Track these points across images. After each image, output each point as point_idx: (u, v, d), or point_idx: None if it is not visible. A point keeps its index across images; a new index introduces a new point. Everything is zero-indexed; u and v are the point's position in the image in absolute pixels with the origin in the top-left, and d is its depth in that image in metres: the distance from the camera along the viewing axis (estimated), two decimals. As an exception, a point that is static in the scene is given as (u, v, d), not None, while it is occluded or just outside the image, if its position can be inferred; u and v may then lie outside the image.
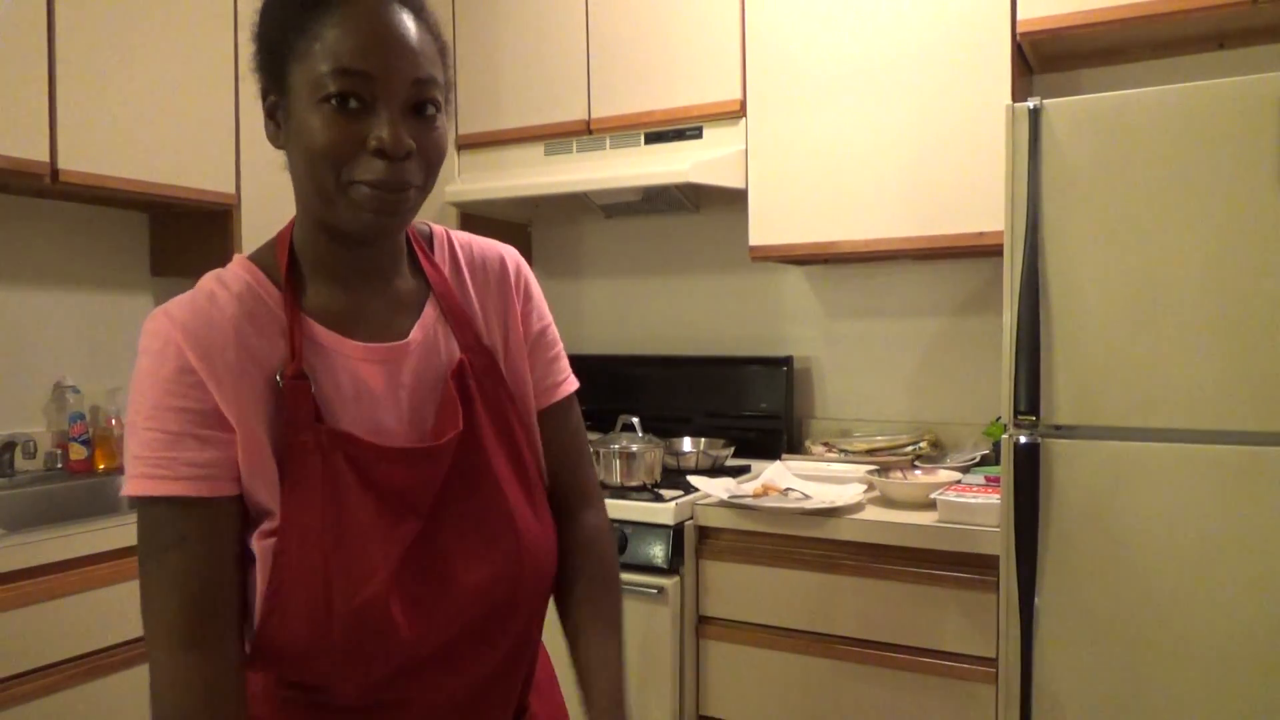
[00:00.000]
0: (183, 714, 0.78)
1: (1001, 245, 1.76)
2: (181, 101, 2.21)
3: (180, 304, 0.82)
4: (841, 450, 2.44)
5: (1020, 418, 1.67)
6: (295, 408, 0.82)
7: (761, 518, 2.00)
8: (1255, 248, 1.50)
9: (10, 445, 2.17)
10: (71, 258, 2.38)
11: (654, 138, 2.49)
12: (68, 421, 2.30)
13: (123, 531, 1.81)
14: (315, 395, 0.83)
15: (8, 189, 2.16)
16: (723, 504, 2.05)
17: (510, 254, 1.01)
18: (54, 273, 2.34)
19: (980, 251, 2.22)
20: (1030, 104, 1.65)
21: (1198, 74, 2.19)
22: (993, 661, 1.81)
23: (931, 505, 1.94)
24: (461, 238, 0.99)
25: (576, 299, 3.08)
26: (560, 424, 1.02)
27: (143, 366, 0.81)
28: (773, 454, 2.53)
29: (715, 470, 2.41)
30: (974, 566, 1.82)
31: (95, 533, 1.77)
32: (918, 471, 2.16)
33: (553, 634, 0.99)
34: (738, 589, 2.05)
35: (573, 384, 1.04)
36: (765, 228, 2.36)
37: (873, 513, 1.96)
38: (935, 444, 2.45)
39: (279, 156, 0.86)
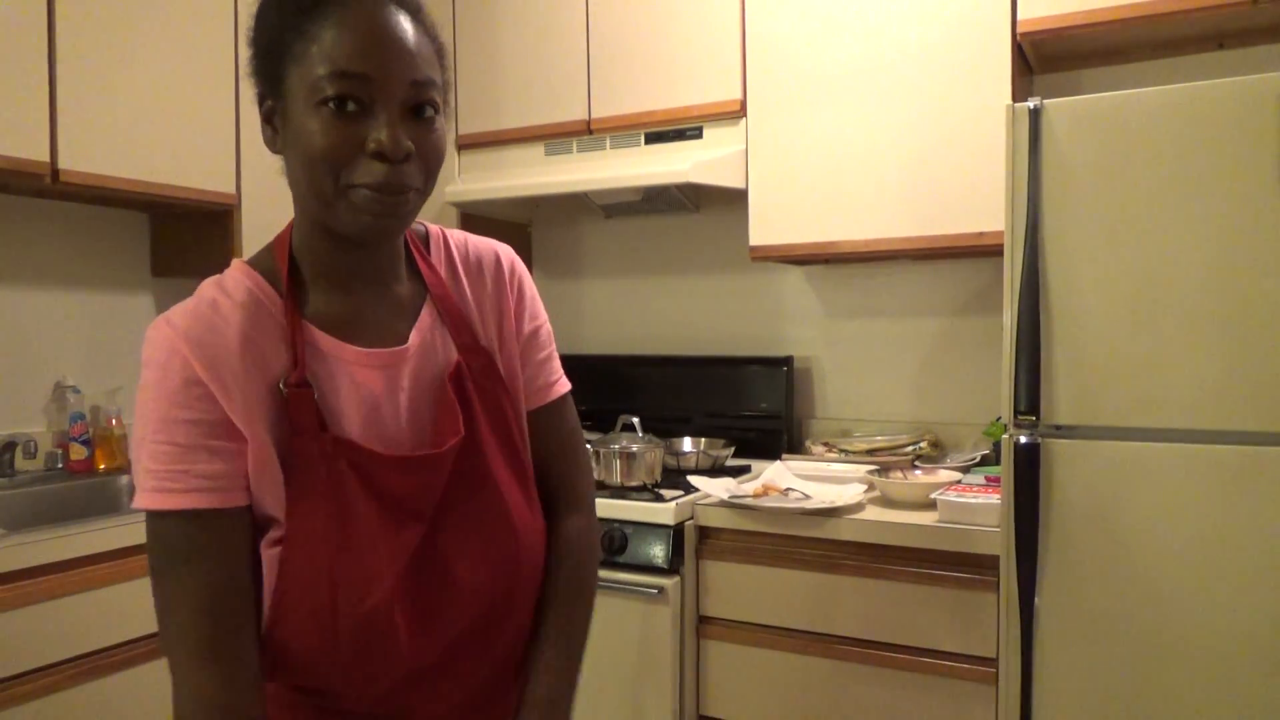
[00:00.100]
0: None
1: (1001, 245, 1.76)
2: (181, 101, 2.21)
3: (183, 313, 0.82)
4: (841, 450, 2.44)
5: (1020, 418, 1.67)
6: (299, 415, 0.82)
7: (762, 518, 2.00)
8: (1255, 247, 1.50)
9: (10, 445, 2.17)
10: (72, 258, 2.38)
11: (654, 138, 2.49)
12: (68, 421, 2.30)
13: (123, 531, 1.81)
14: (317, 402, 0.83)
15: (8, 189, 2.16)
16: (723, 504, 2.05)
17: (505, 251, 1.01)
18: (54, 273, 2.34)
19: (980, 251, 2.22)
20: (1030, 104, 1.65)
21: (1198, 74, 2.18)
22: (993, 661, 1.81)
23: (931, 505, 1.94)
24: (457, 237, 0.99)
25: (576, 299, 3.08)
26: (554, 424, 1.02)
27: (149, 378, 0.80)
28: (773, 454, 2.53)
29: (715, 470, 2.41)
30: (974, 566, 1.82)
31: (95, 533, 1.77)
32: (918, 471, 2.16)
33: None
34: (738, 589, 2.06)
35: (565, 385, 1.04)
36: (765, 228, 2.36)
37: (873, 513, 1.96)
38: (935, 444, 2.45)
39: (279, 159, 0.86)
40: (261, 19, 0.83)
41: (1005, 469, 1.69)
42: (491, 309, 0.97)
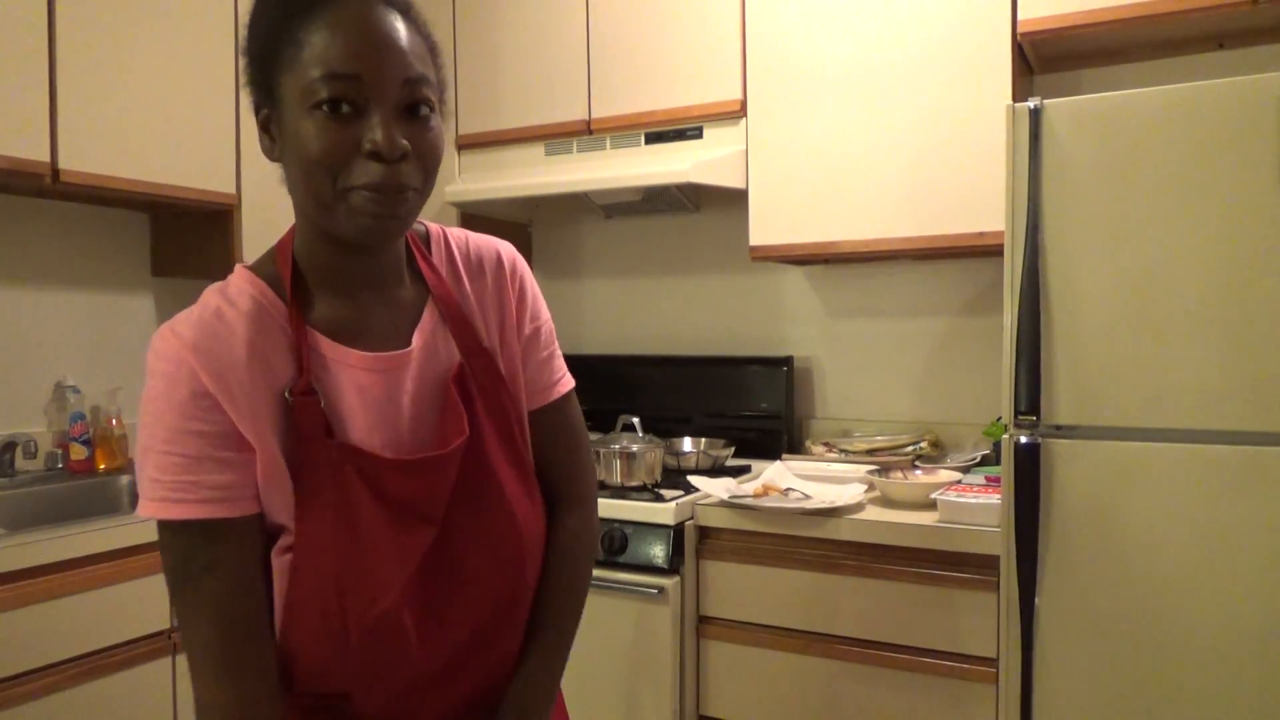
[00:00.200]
0: None
1: (1002, 245, 1.76)
2: (181, 101, 2.21)
3: (189, 323, 0.81)
4: (842, 450, 2.44)
5: (1020, 418, 1.67)
6: (305, 423, 0.82)
7: (762, 518, 2.00)
8: (1255, 247, 1.50)
9: (11, 445, 2.18)
10: (72, 258, 2.38)
11: (654, 138, 2.49)
12: (68, 421, 2.30)
13: (123, 531, 1.81)
14: (323, 409, 0.83)
15: (8, 189, 2.16)
16: (723, 504, 2.05)
17: (506, 249, 1.01)
18: (55, 273, 2.34)
19: (980, 251, 2.22)
20: (1031, 104, 1.65)
21: (1198, 74, 2.18)
22: (993, 661, 1.81)
23: (932, 505, 1.94)
24: (458, 235, 0.99)
25: (576, 299, 3.08)
26: (559, 422, 1.02)
27: (156, 389, 0.80)
28: (773, 454, 2.53)
29: (715, 470, 2.41)
30: (974, 566, 1.82)
31: (95, 533, 1.77)
32: (918, 471, 2.16)
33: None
34: (738, 589, 2.05)
35: (568, 383, 1.04)
36: (765, 228, 2.36)
37: (873, 513, 1.96)
38: (935, 444, 2.44)
39: (277, 166, 0.86)
40: (254, 28, 0.83)
41: (1005, 469, 1.69)
42: (493, 307, 0.96)
